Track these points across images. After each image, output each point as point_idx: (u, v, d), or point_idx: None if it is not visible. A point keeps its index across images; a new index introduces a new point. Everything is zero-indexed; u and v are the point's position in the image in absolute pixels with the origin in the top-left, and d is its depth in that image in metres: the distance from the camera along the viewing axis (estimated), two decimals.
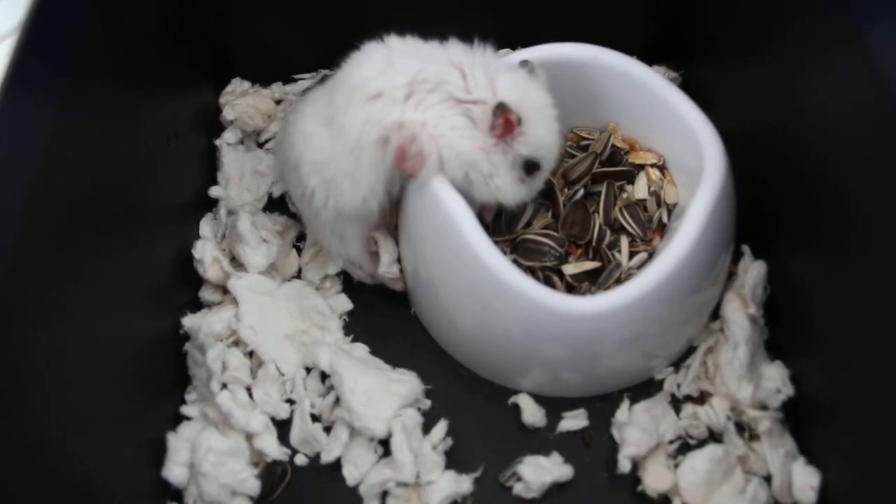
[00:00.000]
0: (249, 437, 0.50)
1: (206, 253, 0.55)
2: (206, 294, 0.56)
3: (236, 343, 0.54)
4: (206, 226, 0.58)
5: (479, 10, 0.61)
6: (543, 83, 0.49)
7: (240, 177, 0.61)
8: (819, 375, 0.48)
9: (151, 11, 0.54)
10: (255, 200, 0.60)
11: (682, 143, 0.52)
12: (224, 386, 0.52)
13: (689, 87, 0.62)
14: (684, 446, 0.50)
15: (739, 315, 0.51)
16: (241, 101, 0.63)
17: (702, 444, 0.50)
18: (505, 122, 0.46)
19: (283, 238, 0.58)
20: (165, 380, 0.52)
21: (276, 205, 0.61)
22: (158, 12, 0.55)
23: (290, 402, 0.53)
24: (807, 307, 0.49)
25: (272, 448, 0.50)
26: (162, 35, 0.55)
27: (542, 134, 0.48)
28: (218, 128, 0.63)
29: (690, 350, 0.53)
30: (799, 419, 0.50)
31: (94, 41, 0.46)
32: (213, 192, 0.60)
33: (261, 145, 0.64)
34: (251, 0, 0.61)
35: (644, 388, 0.52)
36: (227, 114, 0.63)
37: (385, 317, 0.56)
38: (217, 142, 0.62)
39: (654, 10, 0.63)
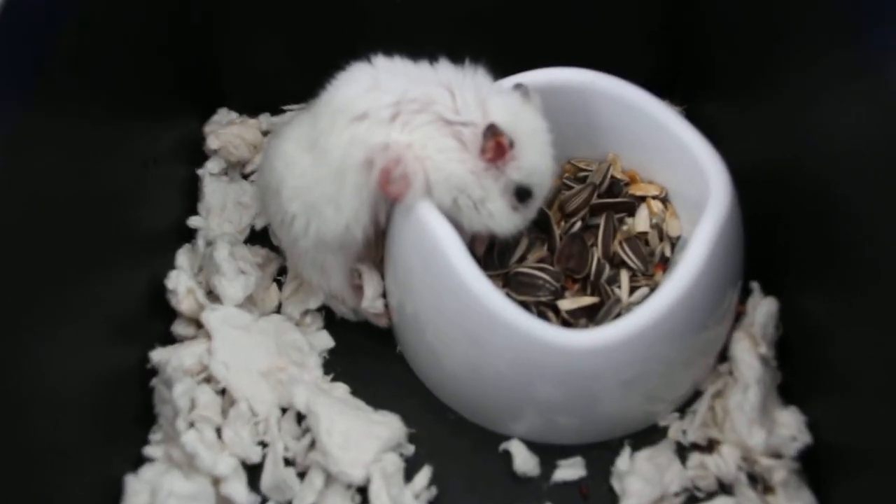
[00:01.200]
0: (216, 481, 0.47)
1: (181, 283, 0.53)
2: (178, 328, 0.54)
3: (207, 380, 0.51)
4: (182, 256, 0.55)
5: (474, 39, 0.60)
6: (538, 107, 0.48)
7: (221, 208, 0.59)
8: (839, 422, 0.45)
9: (139, 37, 0.53)
10: (236, 232, 0.58)
11: (686, 174, 0.51)
12: (191, 425, 0.48)
13: (694, 121, 0.59)
14: (691, 499, 0.47)
15: (749, 355, 0.48)
16: (227, 131, 0.61)
17: (710, 496, 0.47)
18: (496, 144, 0.45)
19: (264, 271, 0.56)
20: (130, 418, 0.49)
21: (259, 237, 0.59)
22: (145, 39, 0.54)
23: (263, 444, 0.49)
24: (824, 348, 0.46)
25: (240, 494, 0.47)
26: (147, 59, 0.54)
27: (535, 159, 0.47)
28: (201, 157, 0.62)
29: (697, 395, 0.50)
30: (818, 470, 0.46)
31: (73, 60, 0.45)
32: (193, 221, 0.58)
33: (245, 177, 0.62)
34: (242, 29, 0.61)
35: (647, 435, 0.49)
36: (212, 143, 0.61)
37: (368, 355, 0.53)
38: (199, 171, 0.61)
39: (656, 42, 0.62)
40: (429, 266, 0.47)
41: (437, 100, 0.46)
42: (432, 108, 0.46)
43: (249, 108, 0.64)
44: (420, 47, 0.49)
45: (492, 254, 0.52)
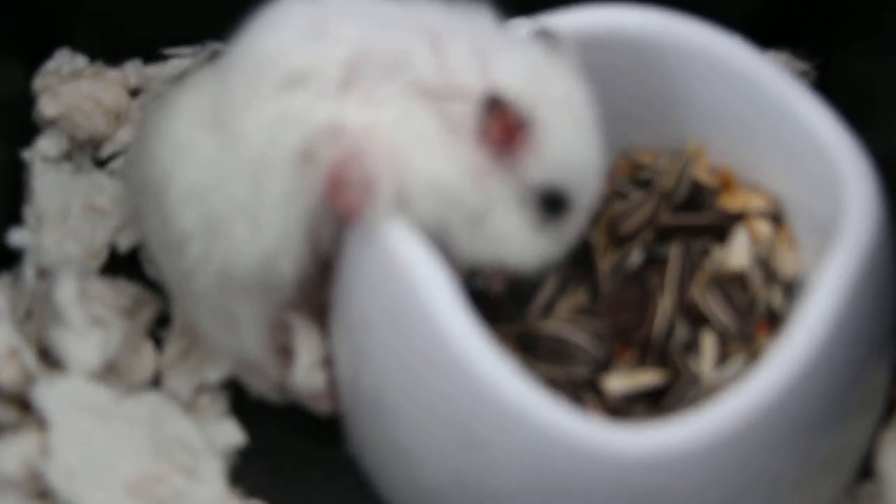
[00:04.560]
0: None
1: None
2: None
3: (41, 495, 0.54)
4: None
5: None
6: (571, 66, 0.51)
7: (62, 215, 0.63)
8: None
9: None
10: (88, 256, 0.62)
11: (810, 177, 0.54)
12: None
13: (829, 86, 0.65)
14: None
15: None
16: (71, 89, 0.65)
17: None
18: (503, 125, 0.48)
19: (133, 319, 0.60)
20: None
21: (124, 265, 0.63)
22: None
23: None
24: None
25: None
26: None
27: (568, 144, 0.50)
28: (28, 131, 0.66)
29: None
30: None
31: None
32: (15, 237, 0.62)
33: (102, 163, 0.66)
34: None
35: None
36: (46, 107, 0.65)
37: (301, 458, 0.57)
38: (25, 154, 0.65)
39: None
40: (400, 320, 0.50)
41: (415, 56, 0.49)
42: (407, 70, 0.49)
43: (107, 51, 0.68)
44: None
45: (498, 299, 0.56)
